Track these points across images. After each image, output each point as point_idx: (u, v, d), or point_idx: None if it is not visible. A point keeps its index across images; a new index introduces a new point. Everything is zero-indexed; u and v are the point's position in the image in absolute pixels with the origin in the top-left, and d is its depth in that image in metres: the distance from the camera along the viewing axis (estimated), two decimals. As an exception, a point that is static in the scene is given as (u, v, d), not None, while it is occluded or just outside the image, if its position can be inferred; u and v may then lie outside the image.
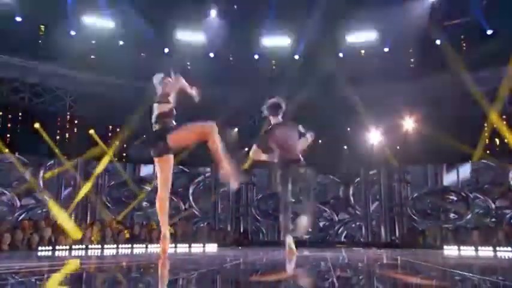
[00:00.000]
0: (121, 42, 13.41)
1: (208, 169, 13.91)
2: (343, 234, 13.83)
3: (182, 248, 9.29)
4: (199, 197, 13.62)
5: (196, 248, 9.34)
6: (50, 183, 11.97)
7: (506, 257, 6.31)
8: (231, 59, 14.13)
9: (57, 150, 12.16)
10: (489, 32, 11.70)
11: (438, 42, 12.30)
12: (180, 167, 13.59)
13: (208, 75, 12.81)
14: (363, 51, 13.95)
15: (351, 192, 14.10)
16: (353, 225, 13.70)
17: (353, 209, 13.86)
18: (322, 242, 13.12)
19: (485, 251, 8.35)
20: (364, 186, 13.71)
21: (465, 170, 12.47)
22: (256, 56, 13.93)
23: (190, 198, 13.46)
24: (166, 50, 13.50)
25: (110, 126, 14.06)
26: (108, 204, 12.82)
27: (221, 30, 13.12)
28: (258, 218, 13.75)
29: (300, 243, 13.05)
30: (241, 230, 13.46)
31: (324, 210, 13.98)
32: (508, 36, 11.16)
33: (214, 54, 13.69)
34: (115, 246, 8.55)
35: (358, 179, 13.91)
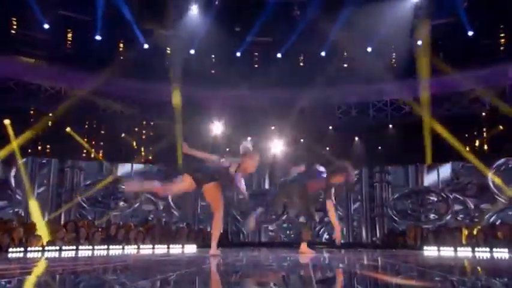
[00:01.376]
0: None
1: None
2: (324, 235, 13.93)
3: (160, 249, 9.20)
4: (178, 197, 13.51)
5: (175, 249, 9.26)
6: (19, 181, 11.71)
7: (484, 258, 6.47)
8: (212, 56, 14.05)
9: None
10: (470, 33, 11.95)
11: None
12: (158, 165, 13.48)
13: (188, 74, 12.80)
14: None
15: (332, 192, 14.18)
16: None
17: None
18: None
19: (465, 252, 8.54)
20: (345, 187, 13.82)
21: (445, 171, 12.73)
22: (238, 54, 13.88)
23: (169, 198, 13.34)
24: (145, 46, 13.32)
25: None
26: (84, 204, 12.60)
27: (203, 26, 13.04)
28: (239, 218, 13.73)
29: (279, 244, 13.10)
30: (221, 231, 13.41)
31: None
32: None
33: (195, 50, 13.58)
34: (90, 247, 8.40)
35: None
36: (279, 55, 13.61)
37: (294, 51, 13.66)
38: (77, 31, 13.23)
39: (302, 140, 13.86)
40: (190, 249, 9.58)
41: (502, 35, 12.09)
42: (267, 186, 13.89)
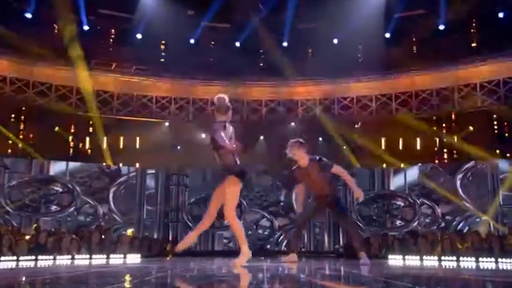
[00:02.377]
0: None
1: (133, 168, 13.58)
2: (284, 243, 14.11)
3: (98, 259, 8.96)
4: (121, 200, 13.23)
5: (116, 260, 9.05)
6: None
7: (450, 267, 6.79)
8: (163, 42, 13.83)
9: None
10: (441, 27, 12.42)
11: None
12: (99, 165, 13.14)
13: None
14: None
15: (293, 196, 14.41)
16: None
17: (296, 214, 14.18)
18: (260, 251, 13.30)
19: (430, 261, 8.92)
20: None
21: (413, 174, 13.24)
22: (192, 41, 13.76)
23: (111, 201, 13.03)
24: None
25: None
26: (8, 208, 12.04)
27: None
28: (190, 224, 13.64)
29: (233, 253, 13.15)
30: (170, 238, 13.27)
31: (263, 216, 14.17)
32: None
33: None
34: (14, 258, 8.03)
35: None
36: (237, 44, 13.63)
37: (254, 40, 13.71)
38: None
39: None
40: (134, 259, 9.41)
41: (473, 30, 12.53)
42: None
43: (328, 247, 13.55)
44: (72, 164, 12.99)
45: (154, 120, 13.83)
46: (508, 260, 7.87)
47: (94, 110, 13.01)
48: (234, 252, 12.95)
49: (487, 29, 12.00)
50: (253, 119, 13.90)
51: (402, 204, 13.20)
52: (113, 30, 13.77)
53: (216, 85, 12.99)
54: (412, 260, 9.14)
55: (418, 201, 12.96)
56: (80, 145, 13.95)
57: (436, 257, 9.08)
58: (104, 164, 13.45)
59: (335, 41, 13.07)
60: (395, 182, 13.37)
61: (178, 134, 13.46)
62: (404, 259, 9.30)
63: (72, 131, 13.74)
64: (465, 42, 12.39)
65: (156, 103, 13.92)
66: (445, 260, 8.86)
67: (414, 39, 12.97)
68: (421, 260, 9.05)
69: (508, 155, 12.30)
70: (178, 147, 13.73)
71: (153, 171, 13.75)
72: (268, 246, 14.09)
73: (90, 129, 13.74)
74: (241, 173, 5.27)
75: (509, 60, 11.61)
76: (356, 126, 13.24)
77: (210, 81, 12.97)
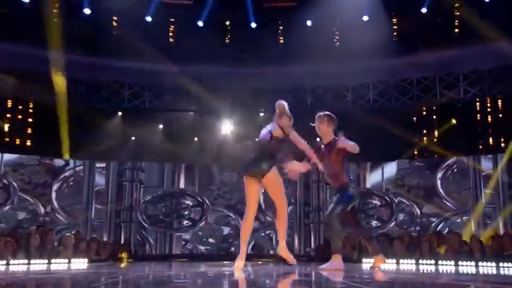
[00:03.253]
0: None
1: (80, 162, 13.32)
2: (251, 245, 14.19)
3: (38, 264, 8.75)
4: (65, 198, 12.98)
5: (59, 265, 8.87)
6: None
7: (428, 271, 6.97)
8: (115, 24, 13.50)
9: None
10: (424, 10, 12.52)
11: None
12: (40, 157, 12.83)
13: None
14: None
15: (261, 193, 14.47)
16: (262, 234, 14.12)
17: (263, 214, 14.27)
18: (224, 254, 13.32)
19: (407, 264, 9.15)
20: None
21: (390, 170, 13.54)
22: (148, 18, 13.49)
23: (54, 199, 12.76)
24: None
25: None
26: None
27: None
28: (145, 225, 13.52)
29: (198, 257, 13.07)
30: (122, 241, 13.11)
31: (227, 215, 14.20)
32: None
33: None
34: None
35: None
36: (200, 23, 13.45)
37: (218, 20, 13.59)
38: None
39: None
40: (79, 264, 9.24)
41: (457, 13, 12.63)
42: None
43: (299, 250, 13.70)
44: (8, 156, 12.62)
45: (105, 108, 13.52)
46: (489, 264, 8.16)
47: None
48: (194, 256, 13.03)
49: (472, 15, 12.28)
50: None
51: (378, 203, 13.47)
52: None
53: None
54: (388, 264, 9.36)
55: (396, 200, 13.26)
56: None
57: (413, 261, 9.32)
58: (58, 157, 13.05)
59: (308, 23, 13.09)
60: (372, 179, 13.63)
61: (133, 124, 13.25)
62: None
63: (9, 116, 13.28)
64: (449, 28, 12.63)
65: (107, 89, 13.65)
66: (423, 264, 9.10)
67: (396, 24, 13.14)
68: (397, 263, 9.26)
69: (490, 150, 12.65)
70: (133, 138, 13.51)
71: (104, 164, 13.53)
72: (233, 249, 14.12)
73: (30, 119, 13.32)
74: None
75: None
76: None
77: (167, 65, 12.79)
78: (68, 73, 12.54)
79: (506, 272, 7.28)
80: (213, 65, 12.70)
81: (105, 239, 12.90)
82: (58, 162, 13.23)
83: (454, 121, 12.73)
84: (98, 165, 13.50)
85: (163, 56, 12.49)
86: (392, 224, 13.16)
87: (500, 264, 8.01)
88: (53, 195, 12.89)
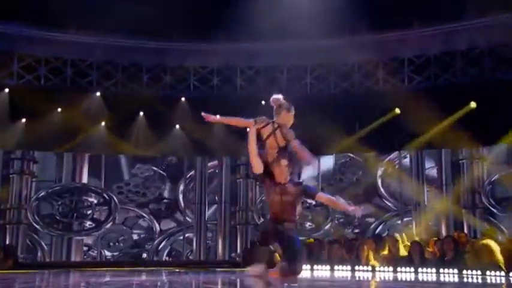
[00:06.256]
0: None
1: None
2: (166, 250, 14.21)
3: None
4: None
5: None
6: None
7: (363, 278, 7.37)
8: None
9: None
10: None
11: None
12: None
13: None
14: None
15: (180, 190, 14.51)
16: (181, 238, 14.16)
17: (182, 214, 14.30)
18: (135, 261, 13.26)
19: (343, 271, 9.58)
20: (199, 183, 14.29)
21: (328, 164, 14.00)
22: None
23: None
24: None
25: None
26: None
27: None
28: (37, 227, 13.17)
29: (103, 265, 12.91)
30: (4, 245, 12.66)
31: (139, 215, 14.12)
32: None
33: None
34: None
35: (192, 172, 14.42)
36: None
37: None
38: None
39: None
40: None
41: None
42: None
43: (223, 256, 13.88)
44: None
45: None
46: (429, 270, 8.72)
47: None
48: (98, 264, 12.78)
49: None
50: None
51: (95, 201, 13.75)
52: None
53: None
54: (321, 271, 9.75)
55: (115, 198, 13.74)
56: None
57: (349, 267, 9.77)
58: None
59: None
60: (306, 174, 14.00)
61: (24, 105, 12.73)
62: (312, 269, 9.87)
63: None
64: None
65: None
66: (359, 270, 9.57)
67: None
68: (332, 270, 9.68)
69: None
70: (23, 121, 12.98)
71: (-15, 153, 13.04)
72: (145, 254, 14.09)
73: None
74: None
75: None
76: None
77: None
78: None
79: (447, 279, 7.85)
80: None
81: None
82: None
83: (397, 111, 13.24)
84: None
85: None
86: (328, 226, 13.58)
87: (441, 270, 8.59)
88: None
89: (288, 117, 5.52)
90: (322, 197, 5.67)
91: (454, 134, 12.43)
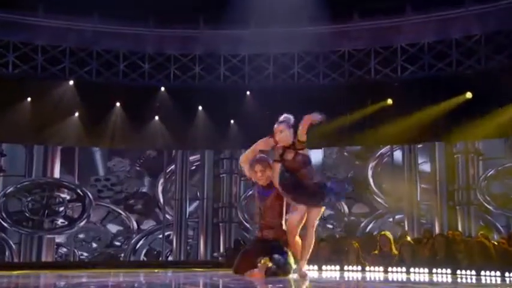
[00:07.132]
0: None
1: None
2: (144, 250, 14.14)
3: None
4: None
5: None
6: None
7: (352, 279, 7.34)
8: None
9: None
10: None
11: None
12: None
13: None
14: None
15: (159, 185, 14.43)
16: (160, 236, 14.11)
17: (162, 211, 14.23)
18: (111, 261, 13.18)
19: (332, 271, 9.56)
20: (179, 179, 14.19)
21: (316, 158, 13.97)
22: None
23: None
24: None
25: None
26: None
27: None
28: (5, 225, 13.04)
29: (76, 265, 12.81)
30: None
31: (116, 213, 14.03)
32: None
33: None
34: None
35: (172, 167, 14.33)
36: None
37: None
38: None
39: None
40: None
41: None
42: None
43: (205, 255, 13.85)
44: None
45: None
46: (421, 270, 8.74)
47: None
48: (71, 264, 12.71)
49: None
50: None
51: (68, 197, 13.79)
52: None
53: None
54: (309, 271, 9.72)
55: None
56: None
57: (337, 267, 9.77)
58: None
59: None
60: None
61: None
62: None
63: None
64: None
65: None
66: (348, 271, 9.56)
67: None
68: (319, 270, 9.66)
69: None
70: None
71: None
72: (122, 254, 14.00)
73: None
74: None
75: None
76: None
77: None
78: None
79: (439, 279, 7.86)
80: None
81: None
82: None
83: (390, 101, 13.26)
84: None
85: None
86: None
87: (433, 270, 8.61)
88: None
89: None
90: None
91: (448, 126, 12.51)
